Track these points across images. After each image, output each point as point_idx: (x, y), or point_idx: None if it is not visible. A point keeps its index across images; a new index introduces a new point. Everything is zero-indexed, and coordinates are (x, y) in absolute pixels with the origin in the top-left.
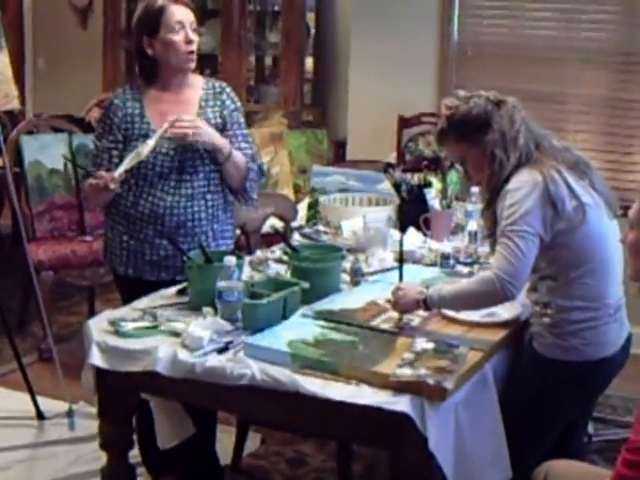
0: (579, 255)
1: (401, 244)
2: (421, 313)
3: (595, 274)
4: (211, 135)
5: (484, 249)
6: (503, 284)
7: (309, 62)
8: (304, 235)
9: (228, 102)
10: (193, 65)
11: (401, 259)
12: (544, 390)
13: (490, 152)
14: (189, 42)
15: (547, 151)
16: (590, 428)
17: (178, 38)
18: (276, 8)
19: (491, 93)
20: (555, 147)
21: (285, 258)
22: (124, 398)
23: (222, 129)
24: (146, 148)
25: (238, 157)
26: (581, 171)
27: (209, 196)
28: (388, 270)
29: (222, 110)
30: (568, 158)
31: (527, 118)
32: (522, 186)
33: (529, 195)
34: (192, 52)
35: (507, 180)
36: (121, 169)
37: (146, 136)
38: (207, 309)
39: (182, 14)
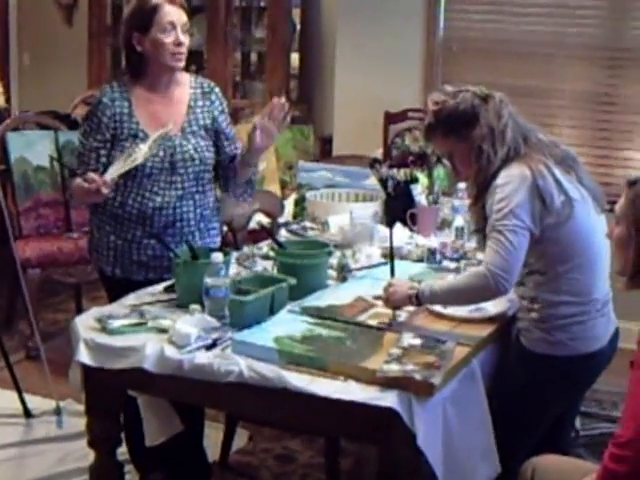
0: (567, 250)
1: (391, 240)
2: (411, 309)
3: (583, 269)
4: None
5: (471, 244)
6: (496, 279)
7: (295, 58)
8: (291, 231)
9: (217, 103)
10: (182, 65)
11: (391, 255)
12: (531, 385)
13: (477, 147)
14: (179, 44)
15: (535, 146)
16: (577, 422)
17: (168, 40)
18: (262, 4)
19: (478, 88)
20: (543, 141)
21: (272, 254)
22: (112, 395)
23: (212, 129)
24: (140, 153)
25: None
26: (568, 166)
27: (197, 196)
28: (375, 266)
29: (212, 110)
30: (556, 153)
31: (514, 113)
32: (511, 181)
33: (518, 189)
34: (181, 53)
35: (495, 175)
36: (114, 174)
37: (135, 136)
38: (194, 306)
39: (175, 15)
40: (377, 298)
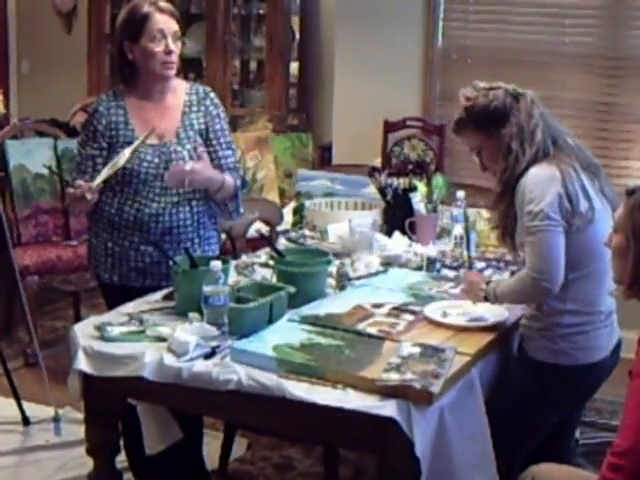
0: (580, 258)
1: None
2: (410, 317)
3: (592, 279)
4: (206, 179)
5: (469, 253)
6: (536, 282)
7: (294, 67)
8: (290, 239)
9: (211, 108)
10: (172, 73)
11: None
12: (532, 391)
13: (506, 145)
14: (169, 53)
15: (563, 148)
16: (576, 432)
17: (158, 49)
18: (261, 12)
19: (510, 86)
20: (570, 145)
21: (271, 263)
22: (110, 403)
23: (205, 135)
24: (122, 158)
25: (228, 183)
26: (592, 173)
27: (194, 202)
28: (374, 274)
29: (205, 115)
30: (582, 158)
31: (544, 113)
32: (540, 180)
33: (548, 189)
34: (172, 62)
35: (522, 174)
36: (99, 179)
37: (130, 143)
38: (193, 314)
39: (165, 23)
40: (376, 306)
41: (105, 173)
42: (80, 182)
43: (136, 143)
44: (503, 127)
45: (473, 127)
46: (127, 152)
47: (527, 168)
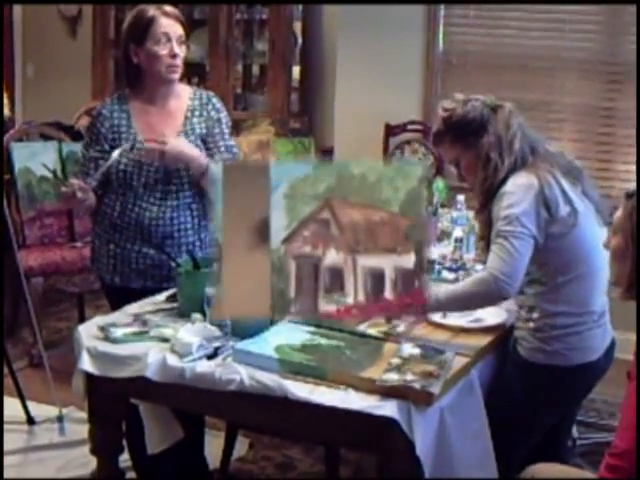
0: (568, 261)
1: None
2: (411, 319)
3: (582, 280)
4: (183, 150)
5: (469, 255)
6: (499, 284)
7: (296, 71)
8: None
9: (213, 112)
10: (177, 76)
11: None
12: (527, 393)
13: (485, 155)
14: (173, 56)
15: (542, 156)
16: (574, 432)
17: (163, 52)
18: (263, 17)
19: (488, 98)
20: (550, 152)
21: None
22: (114, 403)
23: (206, 139)
24: (111, 159)
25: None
26: (574, 177)
27: (194, 206)
28: None
29: (207, 120)
30: (562, 164)
31: (523, 123)
32: (518, 188)
33: (525, 197)
34: (176, 65)
35: (502, 183)
36: (92, 180)
37: (132, 147)
38: (196, 315)
39: (170, 27)
40: None
41: (98, 174)
42: (72, 180)
43: (125, 145)
44: (481, 137)
45: (450, 138)
46: (115, 154)
47: (506, 177)
